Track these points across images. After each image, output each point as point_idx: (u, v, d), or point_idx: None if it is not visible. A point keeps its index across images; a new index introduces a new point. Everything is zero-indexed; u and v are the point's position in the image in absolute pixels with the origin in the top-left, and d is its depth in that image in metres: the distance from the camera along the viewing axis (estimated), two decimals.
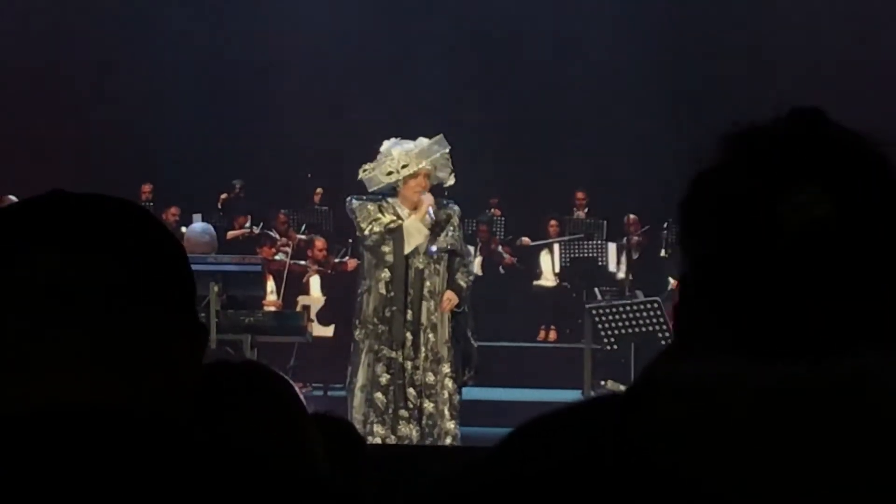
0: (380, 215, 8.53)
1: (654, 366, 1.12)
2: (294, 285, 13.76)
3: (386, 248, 8.56)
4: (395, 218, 8.53)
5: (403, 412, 8.47)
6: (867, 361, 1.07)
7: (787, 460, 1.03)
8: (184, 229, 10.96)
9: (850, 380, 1.06)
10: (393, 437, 8.39)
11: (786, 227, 1.11)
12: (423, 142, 8.60)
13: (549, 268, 15.54)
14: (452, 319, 8.61)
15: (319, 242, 14.41)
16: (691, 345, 1.12)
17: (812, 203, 1.11)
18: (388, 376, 8.51)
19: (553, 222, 16.03)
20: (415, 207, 8.54)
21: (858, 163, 1.13)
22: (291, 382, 2.01)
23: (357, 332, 8.68)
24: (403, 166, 8.48)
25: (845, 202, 1.11)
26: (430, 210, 8.53)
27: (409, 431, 8.44)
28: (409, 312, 8.52)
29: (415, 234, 8.51)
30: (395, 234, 8.52)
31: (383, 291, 8.57)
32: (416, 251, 8.57)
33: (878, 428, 1.04)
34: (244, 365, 2.04)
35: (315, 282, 14.01)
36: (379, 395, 8.49)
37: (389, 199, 8.58)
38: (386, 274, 8.56)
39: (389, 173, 8.52)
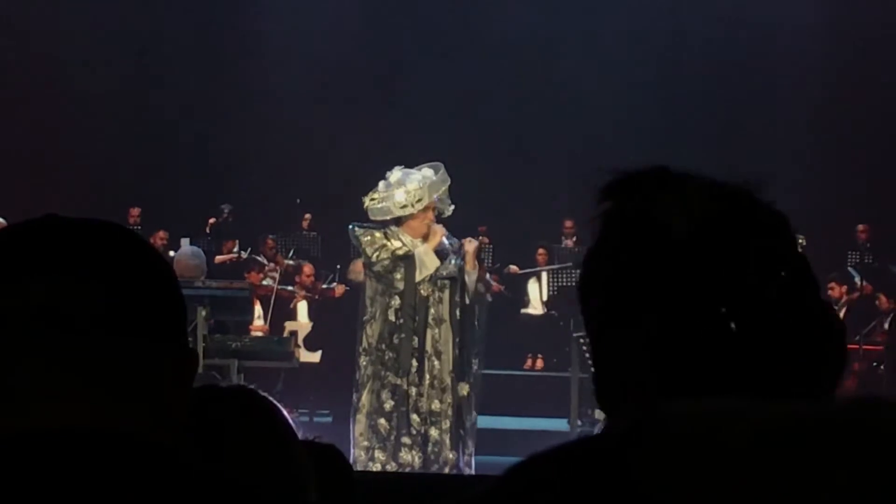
0: (387, 242, 8.57)
1: (649, 401, 1.13)
2: (281, 310, 13.75)
3: (397, 276, 8.60)
4: (401, 245, 8.58)
5: (406, 439, 8.49)
6: (870, 397, 1.09)
7: (795, 495, 1.03)
8: (172, 253, 10.95)
9: (856, 413, 1.07)
10: (394, 463, 8.40)
11: (675, 225, 1.17)
12: (428, 173, 8.66)
13: (536, 296, 15.54)
14: (458, 348, 8.66)
15: (307, 268, 14.40)
16: (678, 385, 1.14)
17: (691, 202, 1.17)
18: (393, 403, 8.53)
19: (541, 251, 16.04)
20: (423, 237, 8.61)
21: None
22: (281, 408, 2.01)
23: (362, 359, 8.69)
24: (418, 200, 8.57)
25: (720, 201, 1.17)
26: (445, 239, 8.65)
27: (412, 459, 8.45)
28: (416, 339, 8.56)
29: (427, 262, 8.57)
30: (406, 261, 8.57)
31: (392, 318, 8.60)
32: (421, 280, 8.63)
33: (885, 461, 1.05)
34: (235, 389, 2.03)
35: (302, 307, 13.99)
36: (382, 421, 8.51)
37: (393, 228, 8.64)
38: (396, 301, 8.61)
39: (404, 206, 8.58)
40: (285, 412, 2.02)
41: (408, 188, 8.55)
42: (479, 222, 16.70)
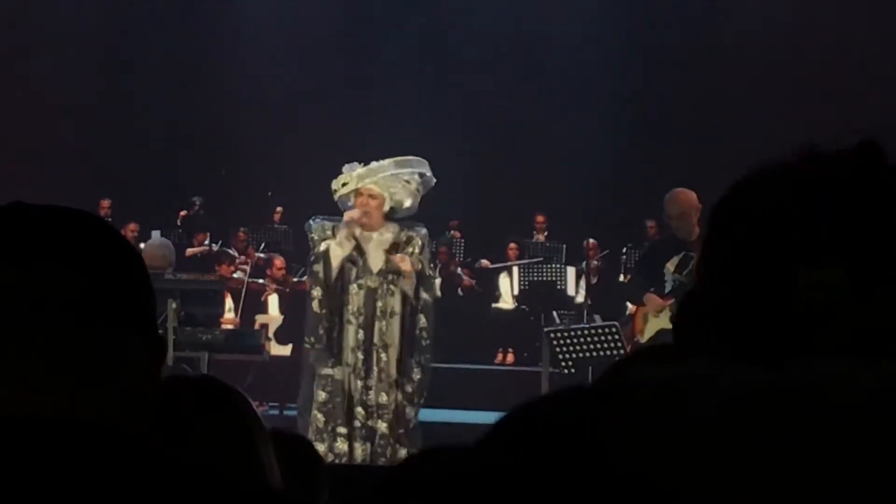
0: (328, 234, 8.55)
1: (626, 364, 1.15)
2: (252, 304, 13.72)
3: (317, 267, 8.59)
4: (330, 236, 8.53)
5: (341, 429, 8.42)
6: (835, 365, 1.10)
7: (756, 463, 1.04)
8: (142, 244, 10.92)
9: (820, 382, 1.08)
10: (331, 455, 8.32)
11: (802, 295, 1.18)
12: (380, 163, 8.59)
13: (507, 290, 15.56)
14: (405, 339, 8.58)
15: (278, 261, 14.37)
16: (671, 349, 1.15)
17: (831, 284, 1.18)
18: (326, 394, 8.47)
19: (512, 245, 16.06)
20: (371, 229, 8.53)
21: (881, 253, 1.19)
22: (247, 397, 2.01)
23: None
24: (343, 184, 8.50)
25: (861, 289, 1.18)
26: (392, 233, 8.54)
27: (351, 450, 8.38)
28: (361, 332, 8.49)
29: (339, 254, 8.50)
30: (324, 255, 8.54)
31: (316, 310, 8.56)
32: (368, 271, 8.55)
33: (848, 429, 1.05)
34: (200, 379, 2.03)
35: (273, 300, 13.97)
36: (316, 413, 8.46)
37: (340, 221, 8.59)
38: (317, 292, 8.57)
39: (335, 191, 8.56)
40: (251, 402, 2.02)
41: (342, 174, 8.54)
42: (451, 217, 16.74)
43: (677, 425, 1.05)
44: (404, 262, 8.47)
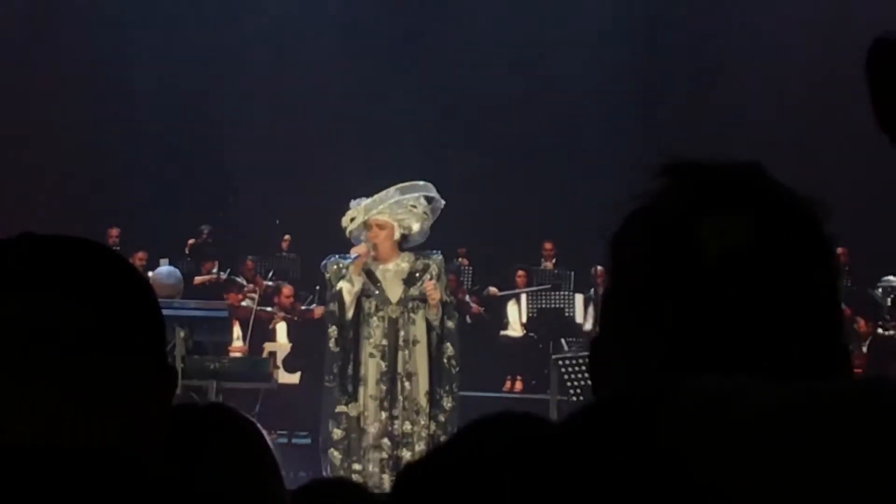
0: (343, 273, 8.54)
1: (654, 379, 1.14)
2: (260, 332, 13.72)
3: (332, 306, 8.59)
4: (345, 275, 8.53)
5: (356, 465, 8.41)
6: (878, 378, 1.10)
7: (806, 471, 1.04)
8: (150, 274, 10.92)
9: (867, 393, 1.07)
10: None
11: (706, 250, 1.13)
12: (385, 193, 8.58)
13: (515, 318, 15.54)
14: (433, 369, 8.56)
15: (286, 289, 14.38)
16: (673, 364, 1.14)
17: (731, 229, 1.14)
18: (341, 432, 8.46)
19: (521, 273, 16.04)
20: (385, 260, 8.54)
21: (782, 201, 1.17)
22: (259, 426, 2.01)
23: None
24: (352, 219, 8.50)
25: (765, 231, 1.14)
26: (407, 262, 8.54)
27: (375, 481, 8.37)
28: (384, 363, 8.48)
29: (350, 290, 8.49)
30: (338, 294, 8.54)
31: (332, 348, 8.56)
32: (387, 302, 8.54)
33: (889, 441, 1.05)
34: (212, 407, 2.03)
35: (281, 328, 13.97)
36: (333, 451, 8.46)
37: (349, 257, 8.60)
38: (333, 330, 8.57)
39: (345, 228, 8.56)
40: (263, 431, 2.01)
41: (350, 209, 8.54)
42: (459, 244, 16.73)
43: (726, 432, 1.05)
44: (435, 291, 8.47)
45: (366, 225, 8.46)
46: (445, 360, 8.58)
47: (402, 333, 8.50)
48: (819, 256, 1.17)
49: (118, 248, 15.54)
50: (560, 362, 11.57)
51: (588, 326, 14.71)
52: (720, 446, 1.04)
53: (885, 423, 1.04)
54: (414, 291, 8.52)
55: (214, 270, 16.14)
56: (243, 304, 14.08)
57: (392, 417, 8.42)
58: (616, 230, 1.20)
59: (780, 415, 1.05)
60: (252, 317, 13.63)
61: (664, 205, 1.17)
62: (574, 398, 11.37)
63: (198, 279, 15.58)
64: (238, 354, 12.10)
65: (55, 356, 1.17)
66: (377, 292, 8.52)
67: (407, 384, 8.46)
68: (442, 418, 8.53)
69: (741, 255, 1.13)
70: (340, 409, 8.46)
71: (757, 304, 1.12)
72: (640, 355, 1.15)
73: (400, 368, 8.47)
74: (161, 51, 17.86)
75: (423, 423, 8.47)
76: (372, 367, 8.48)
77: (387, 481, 8.35)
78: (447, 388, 8.58)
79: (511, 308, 15.62)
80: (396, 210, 8.49)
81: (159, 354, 1.25)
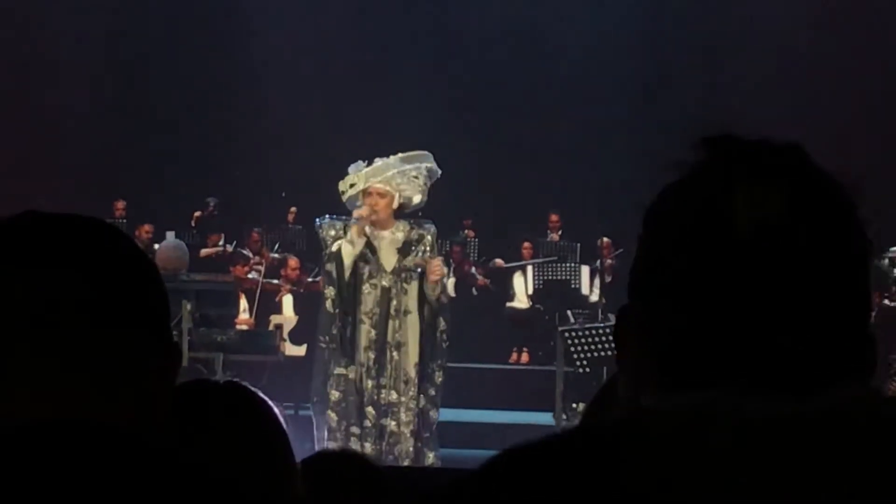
0: (339, 233, 8.53)
1: (638, 397, 1.13)
2: (267, 304, 13.72)
3: (329, 267, 8.57)
4: (343, 234, 8.51)
5: (354, 429, 8.42)
6: (853, 393, 1.09)
7: (779, 494, 1.04)
8: (156, 246, 10.94)
9: (839, 412, 1.07)
10: None
11: (740, 220, 1.13)
12: (388, 160, 8.56)
13: (522, 290, 15.55)
14: (424, 341, 8.55)
15: (293, 261, 14.38)
16: (674, 374, 1.13)
17: (767, 200, 1.13)
18: (339, 393, 8.46)
19: (527, 244, 16.04)
20: (382, 227, 8.52)
21: (819, 179, 1.16)
22: (271, 403, 2.01)
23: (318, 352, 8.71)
24: (351, 185, 8.47)
25: (800, 206, 1.14)
26: (403, 232, 8.52)
27: (363, 450, 8.37)
28: (373, 331, 8.47)
29: (351, 252, 8.47)
30: (336, 255, 8.52)
31: (329, 309, 8.55)
32: (381, 270, 8.53)
33: (869, 458, 1.05)
34: (224, 384, 2.03)
35: (288, 301, 13.97)
36: (329, 412, 8.46)
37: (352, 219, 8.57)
38: (331, 291, 8.55)
39: (343, 192, 8.53)
40: (275, 407, 2.02)
41: (349, 174, 8.50)
42: (465, 216, 16.73)
43: (694, 459, 1.04)
44: (441, 269, 8.48)
45: (365, 192, 8.44)
46: (438, 334, 8.59)
47: (394, 303, 8.49)
48: (852, 237, 1.16)
49: (124, 220, 15.56)
50: (566, 334, 11.58)
51: (594, 298, 14.70)
52: (682, 486, 1.04)
53: (833, 461, 1.04)
54: (408, 262, 8.51)
55: (220, 243, 16.15)
56: (249, 276, 14.08)
57: (379, 386, 8.42)
58: (651, 202, 1.19)
59: (738, 451, 1.04)
60: (258, 289, 13.63)
61: (700, 177, 1.16)
62: (580, 369, 11.39)
63: (204, 252, 15.59)
64: (244, 327, 12.12)
65: (56, 328, 1.18)
66: (373, 261, 8.51)
67: (395, 354, 8.45)
68: (432, 392, 8.55)
69: (776, 227, 1.12)
70: (339, 371, 8.46)
71: (789, 277, 1.12)
72: (664, 326, 1.15)
73: (390, 337, 8.45)
74: (167, 21, 17.83)
75: (411, 393, 8.46)
76: (363, 334, 8.47)
77: (369, 449, 8.35)
78: (439, 362, 8.59)
79: (517, 280, 15.62)
80: (398, 179, 8.47)
81: (162, 329, 1.25)
